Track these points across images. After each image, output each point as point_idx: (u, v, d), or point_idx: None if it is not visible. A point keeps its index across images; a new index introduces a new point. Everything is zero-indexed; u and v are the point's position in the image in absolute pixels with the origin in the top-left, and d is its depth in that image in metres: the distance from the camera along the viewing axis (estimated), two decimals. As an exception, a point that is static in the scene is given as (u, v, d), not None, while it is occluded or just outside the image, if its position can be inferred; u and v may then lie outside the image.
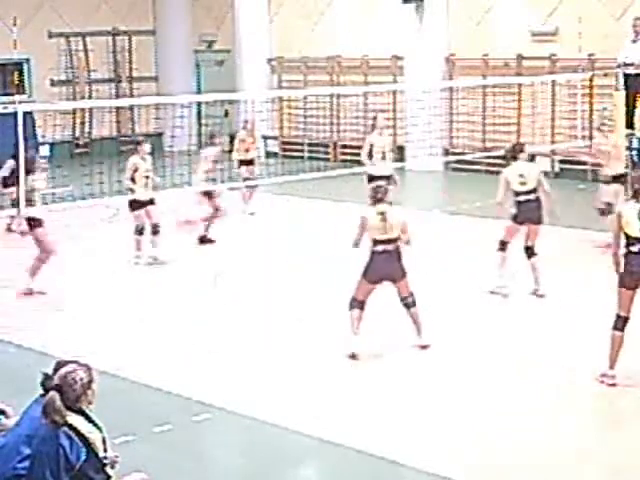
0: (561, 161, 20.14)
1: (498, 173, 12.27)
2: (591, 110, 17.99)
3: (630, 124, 16.37)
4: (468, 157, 20.00)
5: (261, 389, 9.12)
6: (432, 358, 9.89)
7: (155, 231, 14.07)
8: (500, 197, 11.84)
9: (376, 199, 9.96)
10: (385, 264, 9.88)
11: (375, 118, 15.63)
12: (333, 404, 8.74)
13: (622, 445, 7.87)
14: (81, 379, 5.65)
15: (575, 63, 19.68)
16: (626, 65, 17.20)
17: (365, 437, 7.97)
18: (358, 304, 10.01)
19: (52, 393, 5.58)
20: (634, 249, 8.80)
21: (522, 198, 11.79)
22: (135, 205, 13.99)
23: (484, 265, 12.62)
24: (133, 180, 13.91)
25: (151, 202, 14.04)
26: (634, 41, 18.00)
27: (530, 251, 11.90)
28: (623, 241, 8.90)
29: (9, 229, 15.65)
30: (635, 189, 8.96)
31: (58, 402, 5.56)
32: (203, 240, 15.13)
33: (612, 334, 8.97)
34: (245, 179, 17.58)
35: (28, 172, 12.10)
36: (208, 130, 15.72)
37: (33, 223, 12.42)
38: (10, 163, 15.45)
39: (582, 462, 7.57)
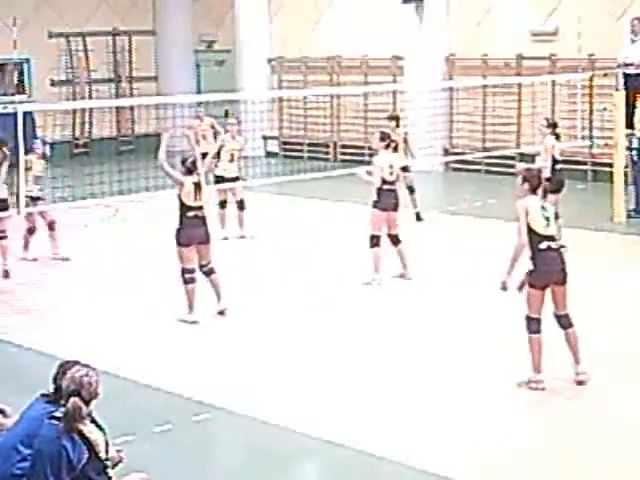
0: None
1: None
2: (591, 110, 17.98)
3: (630, 124, 16.36)
4: (468, 157, 20.00)
5: (261, 389, 9.13)
6: (432, 357, 9.89)
7: (241, 207, 15.13)
8: None
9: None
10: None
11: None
12: (333, 404, 8.74)
13: (623, 445, 7.88)
14: (95, 381, 5.63)
15: (575, 63, 19.67)
16: (626, 65, 17.20)
17: (365, 437, 7.97)
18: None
19: (75, 399, 5.50)
20: (542, 246, 8.55)
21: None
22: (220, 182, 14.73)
23: (484, 264, 12.61)
24: (218, 155, 14.44)
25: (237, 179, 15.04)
26: (633, 41, 18.02)
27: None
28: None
29: None
30: (534, 186, 8.62)
31: (85, 408, 5.50)
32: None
33: (529, 337, 8.78)
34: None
35: (26, 152, 12.21)
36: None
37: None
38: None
39: (582, 462, 7.58)
